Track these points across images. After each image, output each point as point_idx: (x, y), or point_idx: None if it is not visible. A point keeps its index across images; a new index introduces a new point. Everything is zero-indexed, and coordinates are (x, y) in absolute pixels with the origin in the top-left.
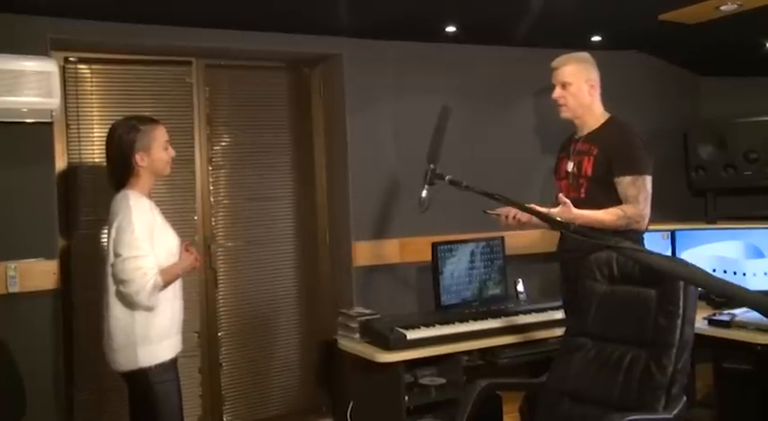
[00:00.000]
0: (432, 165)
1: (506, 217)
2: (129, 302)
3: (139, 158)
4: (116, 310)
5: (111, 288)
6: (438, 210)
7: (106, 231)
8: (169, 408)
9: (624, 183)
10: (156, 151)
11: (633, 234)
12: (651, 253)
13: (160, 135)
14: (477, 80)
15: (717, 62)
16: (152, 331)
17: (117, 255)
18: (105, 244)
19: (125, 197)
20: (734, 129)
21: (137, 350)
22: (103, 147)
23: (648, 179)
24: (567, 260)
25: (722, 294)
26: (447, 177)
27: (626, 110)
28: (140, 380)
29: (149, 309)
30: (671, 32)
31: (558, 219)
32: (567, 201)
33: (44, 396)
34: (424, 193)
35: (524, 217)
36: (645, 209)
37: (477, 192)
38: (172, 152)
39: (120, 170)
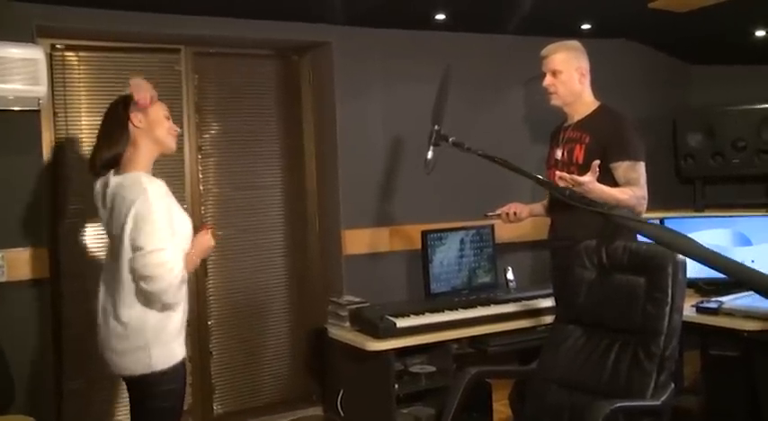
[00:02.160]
0: (436, 126)
1: (506, 215)
2: (150, 300)
3: (136, 120)
4: (129, 309)
5: (126, 285)
6: (428, 198)
7: (106, 220)
8: (177, 409)
9: (623, 167)
10: (155, 112)
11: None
12: (646, 221)
13: (158, 103)
14: (467, 68)
15: (706, 50)
16: (167, 330)
17: (138, 248)
18: (110, 234)
19: (138, 180)
20: (722, 118)
21: (151, 352)
22: (92, 135)
23: (643, 165)
24: (557, 249)
25: (720, 270)
26: (451, 139)
27: (615, 98)
28: (151, 383)
29: (168, 306)
30: (660, 21)
31: (556, 184)
32: (595, 166)
33: (33, 385)
34: (429, 155)
35: (523, 213)
36: (645, 190)
37: (479, 155)
38: (176, 127)
39: (114, 140)
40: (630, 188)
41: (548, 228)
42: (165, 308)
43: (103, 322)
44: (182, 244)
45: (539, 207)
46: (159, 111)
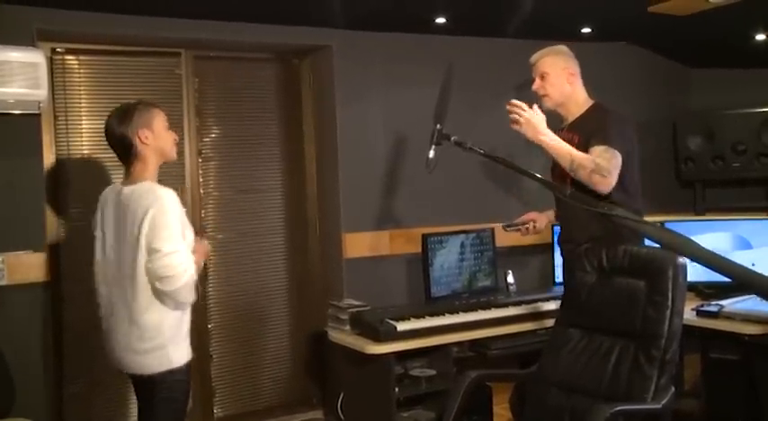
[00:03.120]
0: (438, 125)
1: (527, 229)
2: (167, 300)
3: (143, 137)
4: (147, 311)
5: (142, 288)
6: (428, 201)
7: (113, 227)
8: (183, 408)
9: (596, 151)
10: (159, 127)
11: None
12: (646, 222)
13: (160, 114)
14: (467, 71)
15: (706, 54)
16: (181, 330)
17: (155, 250)
18: (119, 240)
19: (152, 189)
20: (722, 121)
21: (169, 350)
22: (91, 138)
23: (618, 156)
24: (565, 251)
25: (719, 271)
26: (453, 138)
27: (615, 101)
28: (168, 380)
29: (182, 306)
30: (661, 24)
31: (556, 185)
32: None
33: (34, 389)
34: (430, 154)
35: (542, 223)
36: (613, 172)
37: (480, 154)
38: (174, 135)
39: (122, 158)
40: (594, 156)
41: (547, 233)
42: (178, 306)
43: (119, 326)
44: (190, 248)
45: (552, 213)
46: (161, 124)
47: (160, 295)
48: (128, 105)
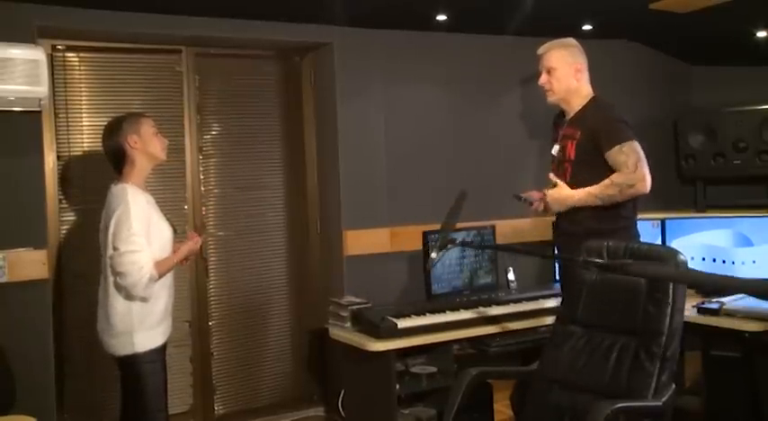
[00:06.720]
0: (444, 234)
1: (530, 204)
2: (126, 293)
3: (132, 142)
4: (114, 300)
5: (111, 278)
6: (429, 198)
7: (102, 222)
8: (153, 386)
9: (612, 154)
10: (147, 133)
11: (623, 220)
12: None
13: (147, 122)
14: (468, 68)
15: (707, 51)
16: (148, 319)
17: (115, 248)
18: (102, 234)
19: (123, 191)
20: (723, 119)
21: (133, 337)
22: (92, 135)
23: (635, 143)
24: (559, 244)
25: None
26: (458, 240)
27: (617, 98)
28: (134, 363)
29: (145, 299)
30: (661, 21)
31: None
32: (560, 181)
33: (35, 386)
34: (433, 255)
35: (542, 206)
36: (638, 171)
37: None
38: (164, 139)
39: (115, 162)
40: (611, 177)
41: (548, 229)
42: (141, 299)
43: (99, 310)
44: (163, 248)
45: None
46: (149, 130)
47: (120, 288)
48: (117, 118)
